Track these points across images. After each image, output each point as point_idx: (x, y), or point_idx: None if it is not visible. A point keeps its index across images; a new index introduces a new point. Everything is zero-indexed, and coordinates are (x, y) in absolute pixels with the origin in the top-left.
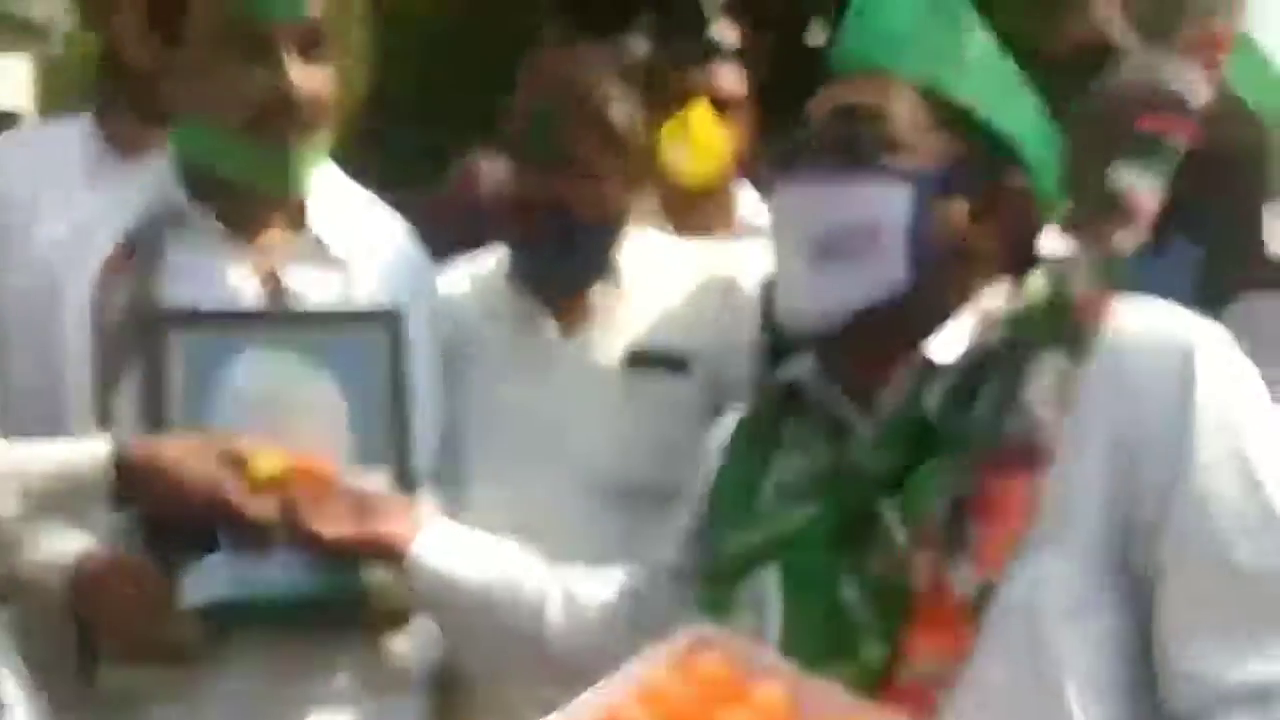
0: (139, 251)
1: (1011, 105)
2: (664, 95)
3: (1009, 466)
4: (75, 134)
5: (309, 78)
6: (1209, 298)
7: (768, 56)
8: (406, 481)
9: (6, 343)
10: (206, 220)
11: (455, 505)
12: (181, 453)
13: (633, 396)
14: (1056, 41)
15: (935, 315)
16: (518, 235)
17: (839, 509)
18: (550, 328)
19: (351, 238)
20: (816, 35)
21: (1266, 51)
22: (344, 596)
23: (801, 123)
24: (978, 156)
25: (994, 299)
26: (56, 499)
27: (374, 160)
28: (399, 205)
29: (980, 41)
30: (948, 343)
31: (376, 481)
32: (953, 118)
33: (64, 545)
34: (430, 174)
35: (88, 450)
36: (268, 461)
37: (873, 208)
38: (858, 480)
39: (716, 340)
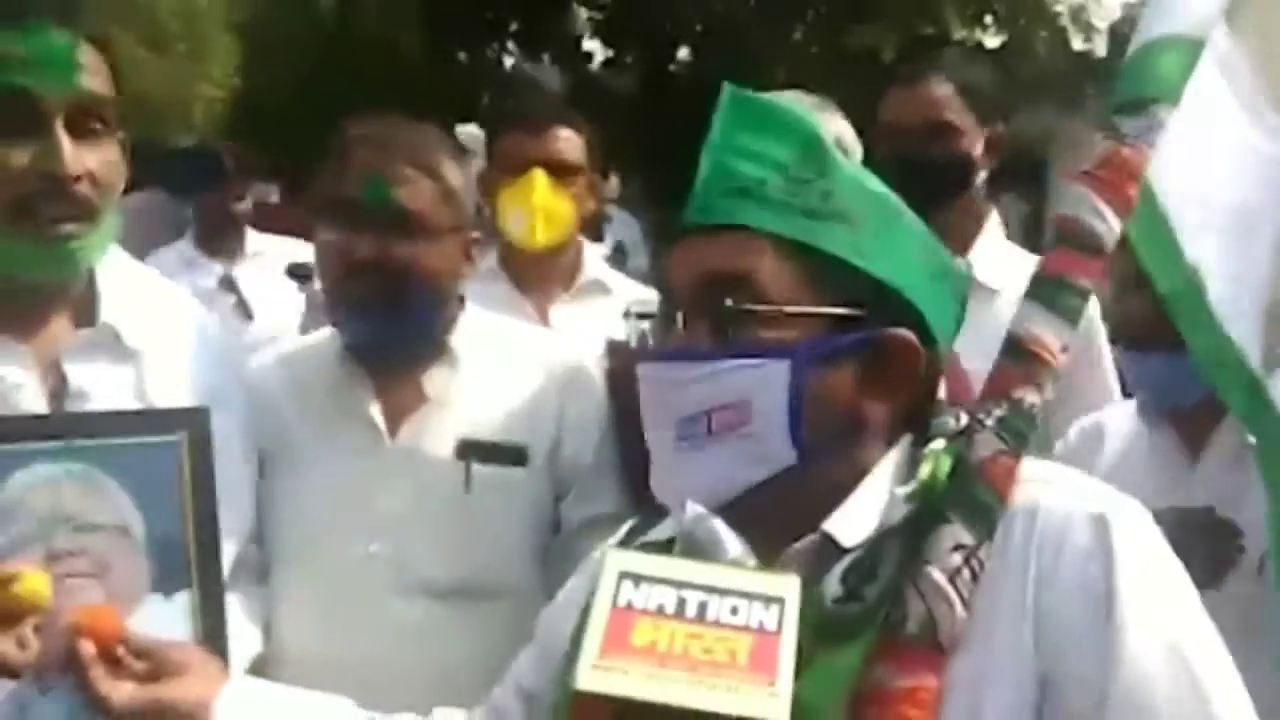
0: None
1: (890, 248)
2: (503, 163)
3: (910, 657)
4: None
5: (85, 157)
6: None
7: (636, 77)
8: (213, 606)
9: None
10: None
11: (269, 616)
12: None
13: (466, 491)
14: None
15: (830, 490)
16: (350, 304)
17: None
18: (377, 413)
19: (147, 326)
20: (683, 57)
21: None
22: None
23: (663, 292)
24: (859, 313)
25: (894, 463)
26: None
27: None
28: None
29: (851, 180)
30: (847, 518)
31: (174, 619)
32: (826, 272)
33: None
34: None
35: None
36: (32, 588)
37: (745, 387)
38: None
39: (559, 431)
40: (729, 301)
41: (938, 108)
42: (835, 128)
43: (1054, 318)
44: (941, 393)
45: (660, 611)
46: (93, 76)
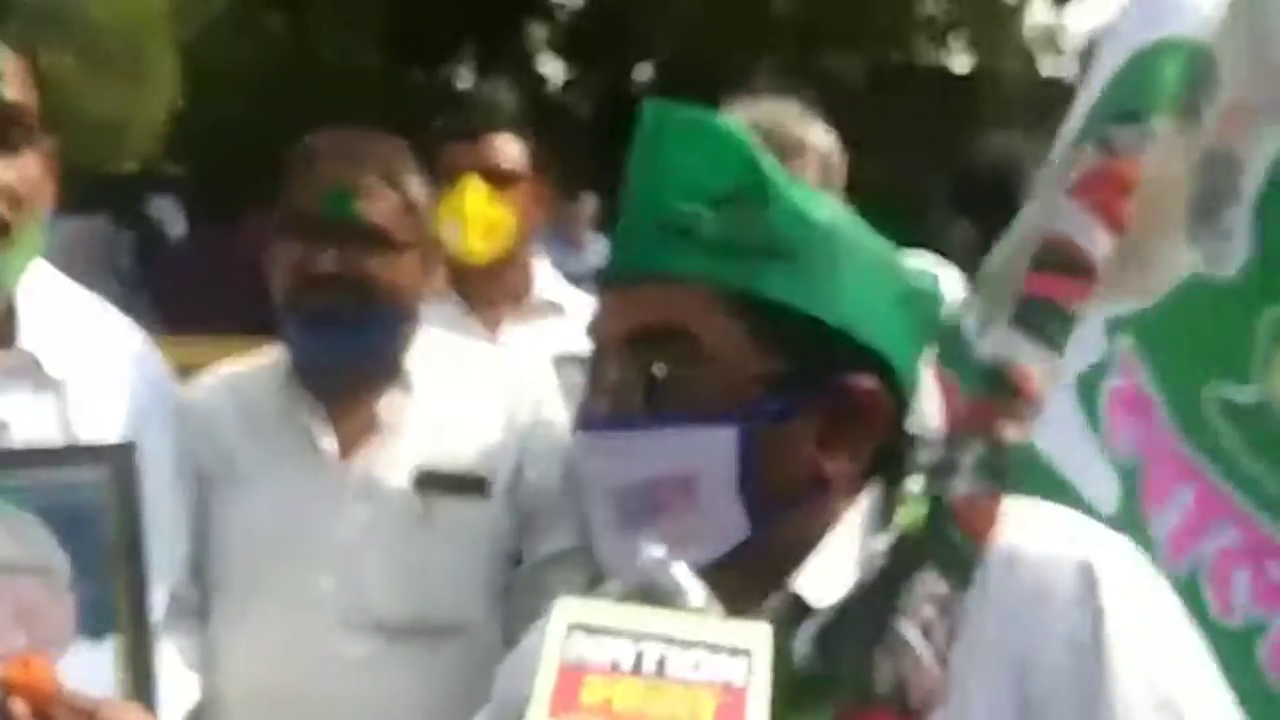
0: None
1: (844, 285)
2: (440, 176)
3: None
4: None
5: (4, 170)
6: None
7: (593, 95)
8: (142, 651)
9: None
10: None
11: (210, 651)
12: None
13: (423, 522)
14: None
15: (795, 548)
16: (307, 319)
17: None
18: (329, 441)
19: (72, 353)
20: (643, 74)
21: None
22: None
23: (592, 354)
24: (811, 362)
25: (862, 512)
26: None
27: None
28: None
29: (795, 210)
30: (816, 575)
31: (102, 665)
32: (772, 319)
33: None
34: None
35: None
36: None
37: (687, 459)
38: None
39: (520, 460)
40: (658, 365)
41: None
42: (821, 142)
43: (1037, 345)
44: (939, 422)
45: (615, 667)
46: (10, 85)
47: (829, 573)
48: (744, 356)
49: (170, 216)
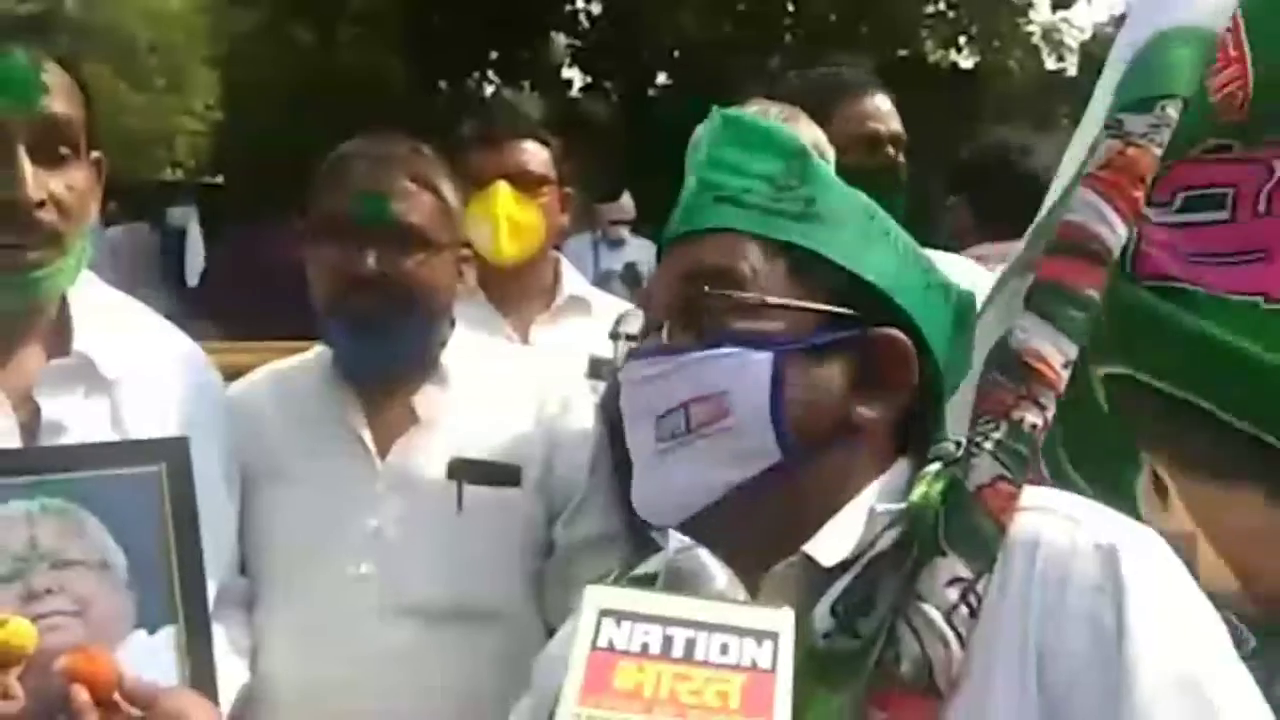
0: None
1: (878, 253)
2: (467, 180)
3: (904, 703)
4: None
5: (49, 181)
6: None
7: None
8: (200, 640)
9: None
10: None
11: (255, 640)
12: None
13: (458, 511)
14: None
15: (818, 506)
16: (352, 321)
17: None
18: (367, 435)
19: (122, 355)
20: (661, 82)
21: None
22: None
23: (646, 310)
24: (848, 312)
25: (885, 485)
26: None
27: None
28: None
29: (835, 187)
30: (833, 541)
31: (159, 656)
32: (813, 272)
33: None
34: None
35: None
36: (17, 635)
37: (724, 379)
38: None
39: (549, 451)
40: (708, 288)
41: (887, 119)
42: (810, 135)
43: (1054, 330)
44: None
45: (644, 651)
46: (58, 99)
47: (839, 535)
48: (784, 295)
49: (196, 223)
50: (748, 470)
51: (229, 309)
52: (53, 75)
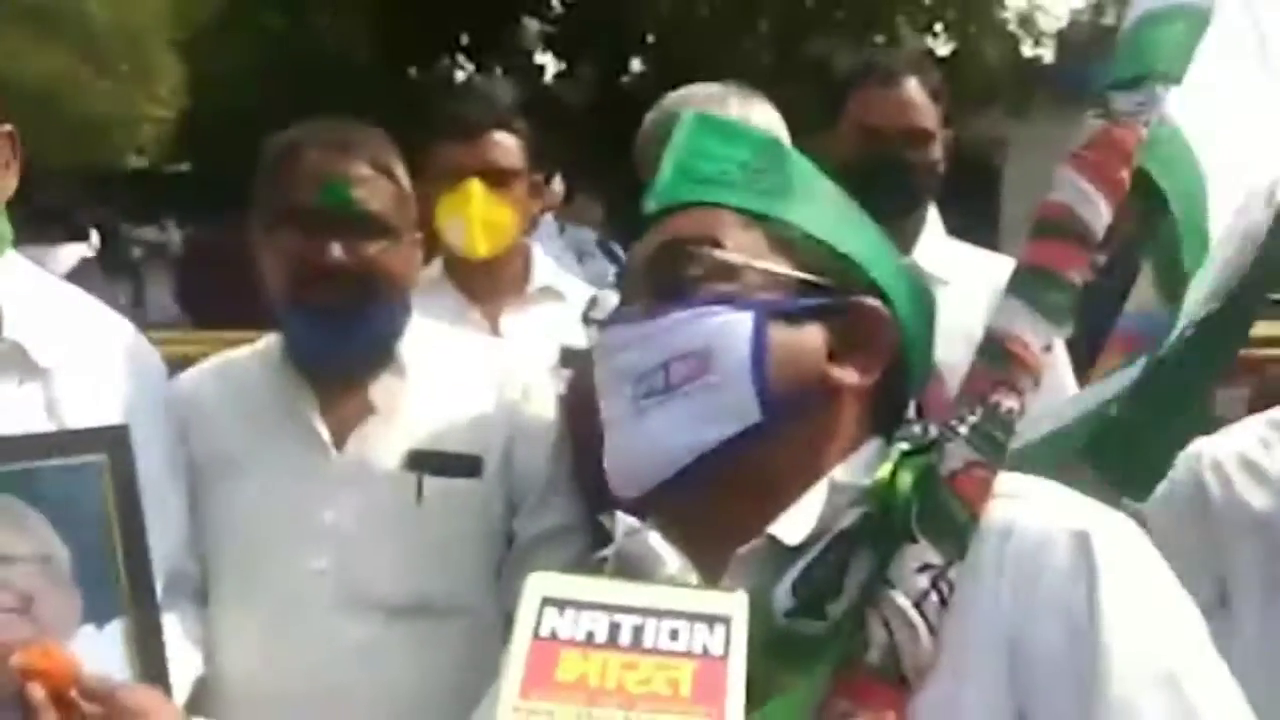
0: None
1: (852, 231)
2: (438, 172)
3: (871, 690)
4: None
5: None
6: None
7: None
8: (149, 634)
9: None
10: None
11: (209, 636)
12: None
13: (417, 504)
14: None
15: (789, 478)
16: (313, 312)
17: None
18: (321, 426)
19: (59, 343)
20: (635, 68)
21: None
22: None
23: (627, 267)
24: (825, 282)
25: (856, 468)
26: None
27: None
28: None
29: (809, 172)
30: (797, 516)
31: (109, 650)
32: (791, 242)
33: None
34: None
35: None
36: None
37: (705, 337)
38: None
39: (510, 442)
40: (690, 250)
41: (918, 112)
42: (766, 119)
43: (1036, 314)
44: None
45: (589, 640)
46: None
47: (804, 511)
48: (762, 260)
49: (168, 214)
50: (726, 428)
51: (199, 299)
52: None
